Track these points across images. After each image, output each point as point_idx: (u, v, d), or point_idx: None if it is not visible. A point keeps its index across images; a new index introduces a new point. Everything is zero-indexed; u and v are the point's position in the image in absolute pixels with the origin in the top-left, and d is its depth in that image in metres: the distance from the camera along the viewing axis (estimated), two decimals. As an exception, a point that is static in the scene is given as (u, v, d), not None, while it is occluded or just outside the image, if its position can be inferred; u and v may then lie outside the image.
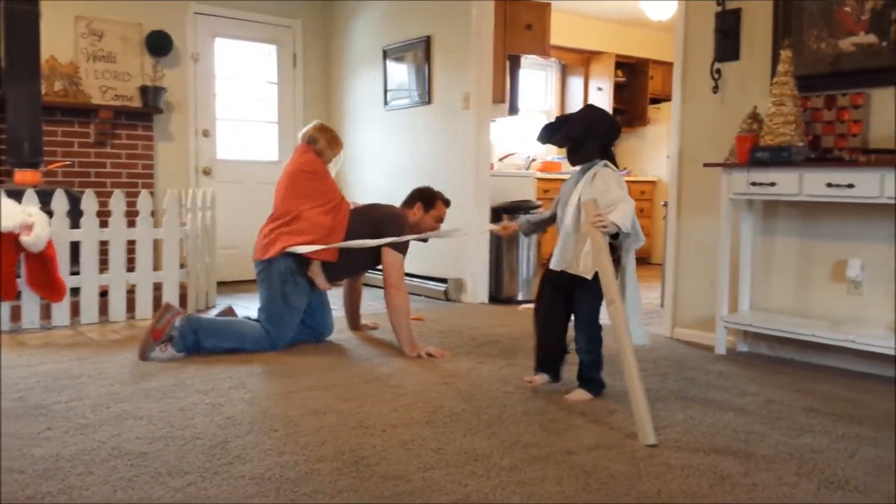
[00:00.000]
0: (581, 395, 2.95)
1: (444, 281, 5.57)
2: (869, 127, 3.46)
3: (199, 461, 2.23)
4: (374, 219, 3.86)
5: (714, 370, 3.44)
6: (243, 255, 6.47)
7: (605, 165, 2.90)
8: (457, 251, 5.54)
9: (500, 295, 5.54)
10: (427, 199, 4.02)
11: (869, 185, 3.17)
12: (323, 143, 3.98)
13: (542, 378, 3.06)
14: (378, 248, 3.74)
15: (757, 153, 3.49)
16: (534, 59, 7.86)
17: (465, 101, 5.43)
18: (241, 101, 6.57)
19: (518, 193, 5.87)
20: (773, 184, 3.48)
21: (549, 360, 3.06)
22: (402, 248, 3.78)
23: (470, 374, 3.30)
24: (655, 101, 8.61)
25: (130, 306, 4.67)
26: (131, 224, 4.67)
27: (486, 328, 4.36)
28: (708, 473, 2.17)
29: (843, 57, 3.53)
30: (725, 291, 3.78)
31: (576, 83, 8.61)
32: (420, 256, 5.88)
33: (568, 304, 2.98)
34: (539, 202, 5.81)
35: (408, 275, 5.93)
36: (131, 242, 4.68)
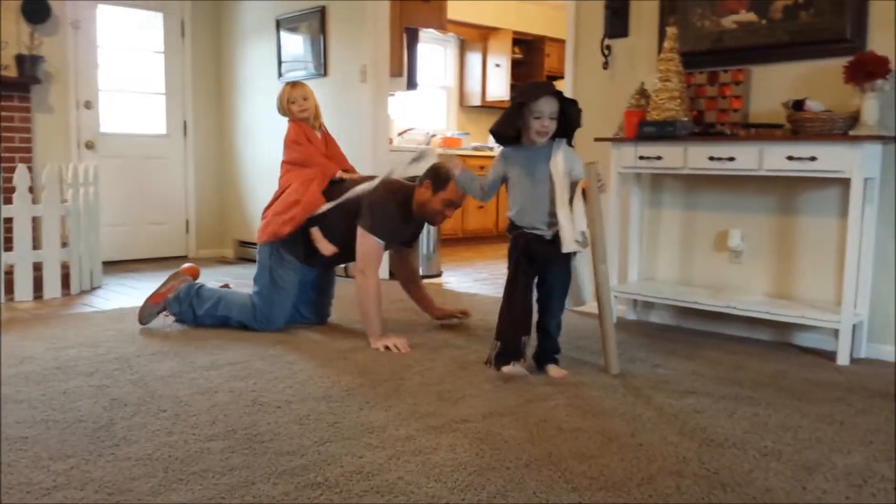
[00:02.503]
0: (560, 370, 2.92)
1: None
2: (749, 102, 3.62)
3: (82, 444, 2.15)
4: (359, 197, 3.45)
5: (605, 338, 3.55)
6: (131, 233, 6.25)
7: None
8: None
9: (399, 270, 5.53)
10: (438, 177, 3.40)
11: (748, 157, 3.32)
12: (279, 104, 3.81)
13: (522, 367, 2.85)
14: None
15: (644, 128, 3.59)
16: (432, 34, 7.85)
17: (363, 74, 5.37)
18: (125, 72, 6.28)
19: (418, 169, 5.85)
20: (659, 157, 3.60)
21: (518, 343, 2.87)
22: (377, 231, 3.36)
23: (368, 349, 3.28)
24: (552, 78, 8.72)
25: (9, 288, 4.42)
26: (8, 201, 4.40)
27: (385, 304, 4.34)
28: (597, 435, 2.24)
29: (726, 34, 3.67)
30: (615, 263, 3.90)
31: (474, 59, 8.65)
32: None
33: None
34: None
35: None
36: (8, 220, 4.42)
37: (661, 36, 3.79)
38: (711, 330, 3.76)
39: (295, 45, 5.92)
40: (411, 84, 6.45)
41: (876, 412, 2.51)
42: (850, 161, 3.06)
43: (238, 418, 2.37)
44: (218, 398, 2.57)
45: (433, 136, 8.05)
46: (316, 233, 3.55)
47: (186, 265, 5.23)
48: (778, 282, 3.59)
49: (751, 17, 3.59)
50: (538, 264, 2.90)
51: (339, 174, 3.70)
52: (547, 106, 2.79)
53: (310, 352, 3.22)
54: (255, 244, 6.29)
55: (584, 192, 2.87)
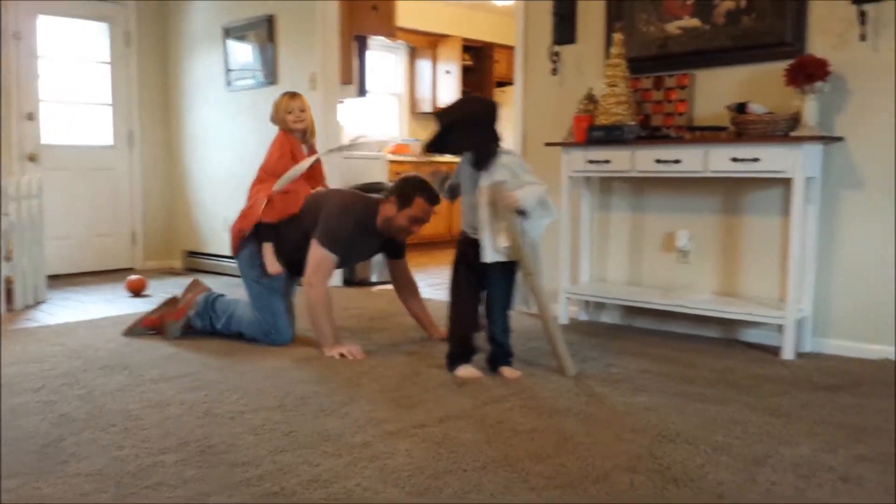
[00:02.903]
0: (514, 371, 2.95)
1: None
2: (694, 106, 3.70)
3: (31, 461, 2.09)
4: (319, 209, 3.39)
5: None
6: (76, 245, 6.11)
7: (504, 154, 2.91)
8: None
9: (353, 278, 5.52)
10: (404, 193, 3.28)
11: (694, 160, 3.39)
12: (274, 113, 3.71)
13: (474, 368, 2.94)
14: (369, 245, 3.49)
15: (593, 132, 3.65)
16: (382, 41, 7.84)
17: (312, 82, 5.34)
18: (70, 83, 6.14)
19: (370, 175, 5.85)
20: (607, 161, 3.66)
21: (466, 342, 2.96)
22: (329, 245, 3.29)
23: (322, 357, 3.26)
24: (502, 84, 8.81)
25: (-52, 304, 4.28)
26: (-55, 215, 4.27)
27: (339, 311, 4.32)
28: (552, 435, 2.26)
29: (670, 40, 3.75)
30: (567, 265, 3.94)
31: (424, 66, 8.67)
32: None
33: (479, 285, 2.97)
34: (391, 183, 5.81)
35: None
36: (-54, 235, 4.28)
37: (608, 42, 3.85)
38: (662, 328, 3.83)
39: (243, 53, 5.87)
40: (361, 91, 6.42)
41: (821, 405, 2.58)
42: (792, 161, 3.14)
43: (191, 430, 2.33)
44: (169, 411, 2.53)
45: (385, 142, 8.04)
46: (268, 248, 3.50)
47: (132, 277, 5.17)
48: (725, 280, 3.67)
49: (694, 22, 3.67)
50: (479, 270, 2.92)
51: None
52: None
53: (262, 361, 3.19)
54: (204, 254, 6.26)
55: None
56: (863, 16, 3.17)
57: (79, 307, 4.65)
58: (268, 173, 3.63)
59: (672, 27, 3.74)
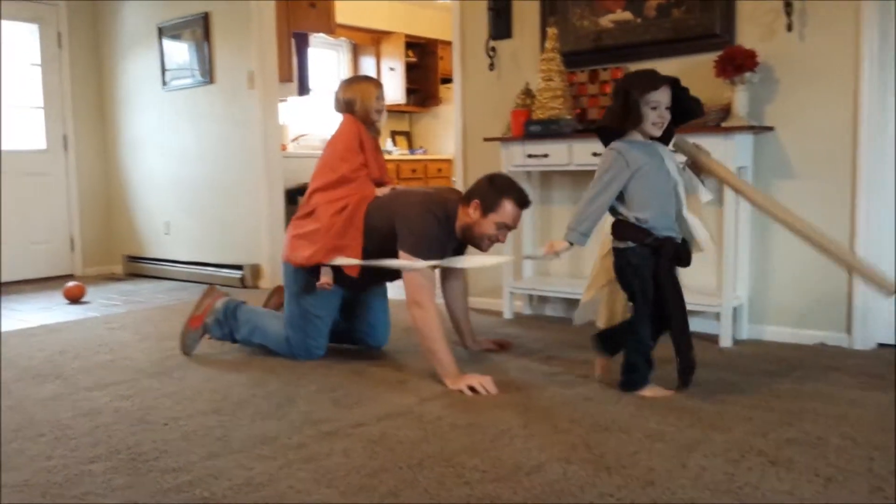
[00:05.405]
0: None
1: (239, 268, 5.40)
2: (628, 99, 3.73)
3: (-48, 476, 2.03)
4: (392, 214, 2.95)
5: (502, 333, 3.59)
6: (11, 253, 5.93)
7: None
8: (252, 236, 5.40)
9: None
10: (489, 195, 2.84)
11: (629, 152, 3.42)
12: (359, 101, 3.21)
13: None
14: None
15: (530, 127, 3.66)
16: (323, 39, 7.77)
17: (250, 81, 5.27)
18: (1, 86, 5.95)
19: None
20: (546, 155, 3.68)
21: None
22: (424, 252, 2.82)
23: (264, 359, 3.21)
24: (446, 80, 8.78)
25: None
26: None
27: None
28: (490, 428, 2.27)
29: (604, 33, 3.78)
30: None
31: (368, 63, 8.62)
32: (212, 243, 5.67)
33: None
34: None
35: (199, 263, 5.73)
36: None
37: (543, 36, 3.87)
38: (604, 320, 3.85)
39: (179, 52, 5.76)
40: (303, 89, 6.37)
41: (755, 389, 2.63)
42: (724, 151, 3.19)
43: (122, 438, 2.28)
44: (101, 419, 2.47)
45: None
46: (326, 270, 3.05)
47: (70, 284, 5.05)
48: (664, 270, 3.71)
49: (627, 15, 3.71)
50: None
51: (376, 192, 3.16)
52: (664, 96, 2.52)
53: (199, 368, 3.13)
54: (146, 259, 6.14)
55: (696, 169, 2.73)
56: (789, 6, 3.23)
57: (14, 316, 4.51)
58: (332, 170, 3.15)
59: (605, 21, 3.77)
